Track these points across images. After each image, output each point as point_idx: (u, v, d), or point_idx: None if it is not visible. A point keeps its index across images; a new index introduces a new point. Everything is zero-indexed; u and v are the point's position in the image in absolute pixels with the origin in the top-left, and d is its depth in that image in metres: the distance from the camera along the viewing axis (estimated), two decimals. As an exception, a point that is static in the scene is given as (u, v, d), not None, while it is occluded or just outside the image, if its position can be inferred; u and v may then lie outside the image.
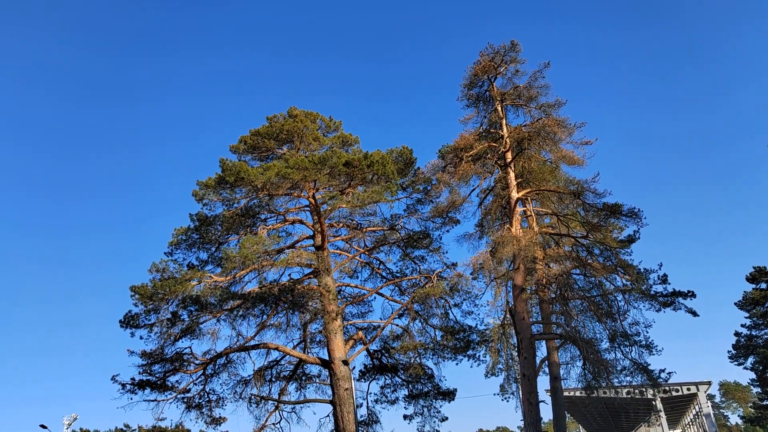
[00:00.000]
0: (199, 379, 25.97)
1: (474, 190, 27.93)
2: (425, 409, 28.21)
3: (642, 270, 25.91)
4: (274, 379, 28.07)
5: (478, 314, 27.73)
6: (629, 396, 39.79)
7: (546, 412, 27.06)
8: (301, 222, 27.76)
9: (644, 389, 32.95)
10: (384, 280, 29.04)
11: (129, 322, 23.17)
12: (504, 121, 27.67)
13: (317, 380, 29.13)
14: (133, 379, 24.11)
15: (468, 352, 27.08)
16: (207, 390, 26.26)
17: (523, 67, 27.64)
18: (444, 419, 27.63)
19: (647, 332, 26.37)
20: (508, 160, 26.79)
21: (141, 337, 23.62)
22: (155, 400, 24.54)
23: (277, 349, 25.77)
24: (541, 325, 28.90)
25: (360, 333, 27.24)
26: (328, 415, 26.33)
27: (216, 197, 25.25)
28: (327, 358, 25.35)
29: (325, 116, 29.42)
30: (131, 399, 23.93)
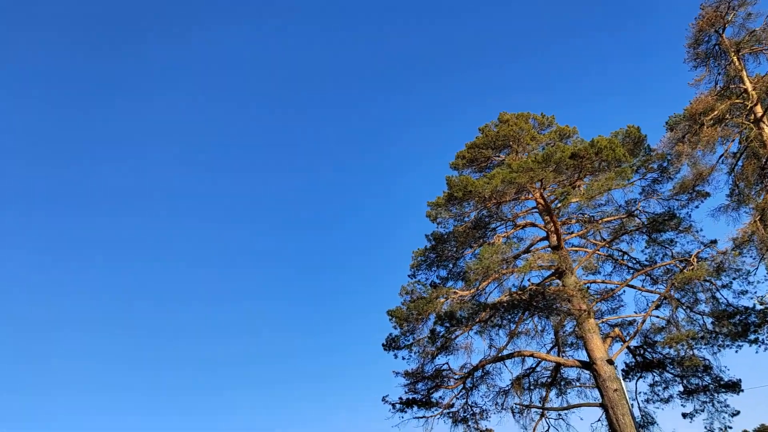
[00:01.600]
0: (461, 393, 26.56)
1: (720, 156, 24.90)
2: (707, 405, 25.57)
3: None
4: (532, 387, 27.65)
5: (755, 292, 24.38)
6: None
7: None
8: (532, 225, 27.27)
9: None
10: (631, 272, 27.13)
11: (391, 344, 24.66)
12: (744, 73, 24.37)
13: (577, 384, 28.05)
14: (401, 398, 25.61)
15: (748, 337, 24.12)
16: (470, 403, 26.71)
17: (755, 8, 24.14)
18: (735, 413, 24.71)
19: None
20: (759, 114, 23.47)
21: (403, 358, 25.08)
22: (423, 416, 25.66)
23: (532, 355, 25.38)
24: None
25: (616, 330, 25.68)
26: (599, 419, 25.12)
27: (447, 214, 25.91)
28: (585, 359, 24.32)
29: (537, 114, 28.81)
30: (402, 417, 25.41)
